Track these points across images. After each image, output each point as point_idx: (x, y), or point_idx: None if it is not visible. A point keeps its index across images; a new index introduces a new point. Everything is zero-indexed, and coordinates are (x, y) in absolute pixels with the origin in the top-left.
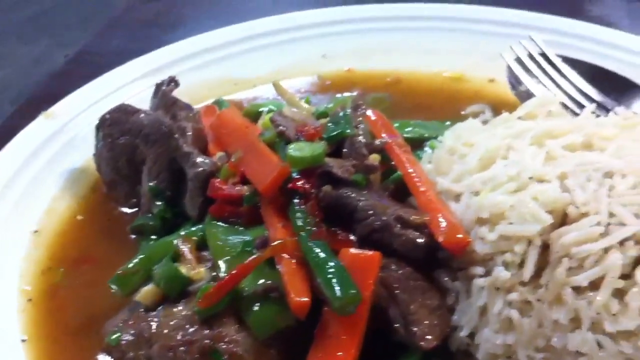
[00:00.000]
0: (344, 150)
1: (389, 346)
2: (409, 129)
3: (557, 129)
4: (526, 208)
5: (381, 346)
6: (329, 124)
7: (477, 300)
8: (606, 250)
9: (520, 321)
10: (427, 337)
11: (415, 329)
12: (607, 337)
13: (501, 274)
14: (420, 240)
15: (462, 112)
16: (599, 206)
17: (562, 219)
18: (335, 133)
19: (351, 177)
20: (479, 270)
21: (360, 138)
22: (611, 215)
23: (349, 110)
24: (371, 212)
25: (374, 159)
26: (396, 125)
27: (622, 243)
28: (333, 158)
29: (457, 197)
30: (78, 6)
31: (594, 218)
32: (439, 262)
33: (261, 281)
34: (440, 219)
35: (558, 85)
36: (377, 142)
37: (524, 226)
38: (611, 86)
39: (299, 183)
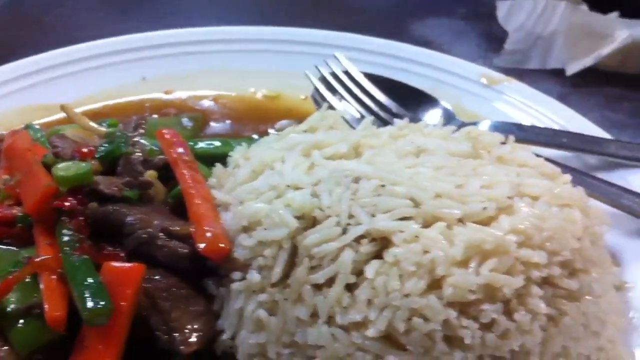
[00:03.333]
0: (118, 167)
1: (156, 355)
2: (212, 145)
3: (325, 140)
4: (277, 214)
5: (149, 355)
6: (103, 144)
7: (235, 303)
8: (342, 249)
9: (268, 320)
10: (188, 342)
11: (176, 334)
12: (339, 329)
13: (254, 277)
14: (183, 251)
15: (271, 129)
16: (341, 208)
17: (314, 223)
18: (106, 152)
19: (121, 194)
20: (237, 275)
21: (137, 156)
22: (351, 216)
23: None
24: (138, 225)
25: (150, 175)
26: (201, 144)
27: (358, 241)
28: (105, 176)
29: (228, 208)
30: None
31: (334, 219)
32: (209, 271)
33: (25, 298)
34: (206, 229)
35: (360, 101)
36: (157, 159)
37: (274, 231)
38: (410, 99)
39: (67, 202)
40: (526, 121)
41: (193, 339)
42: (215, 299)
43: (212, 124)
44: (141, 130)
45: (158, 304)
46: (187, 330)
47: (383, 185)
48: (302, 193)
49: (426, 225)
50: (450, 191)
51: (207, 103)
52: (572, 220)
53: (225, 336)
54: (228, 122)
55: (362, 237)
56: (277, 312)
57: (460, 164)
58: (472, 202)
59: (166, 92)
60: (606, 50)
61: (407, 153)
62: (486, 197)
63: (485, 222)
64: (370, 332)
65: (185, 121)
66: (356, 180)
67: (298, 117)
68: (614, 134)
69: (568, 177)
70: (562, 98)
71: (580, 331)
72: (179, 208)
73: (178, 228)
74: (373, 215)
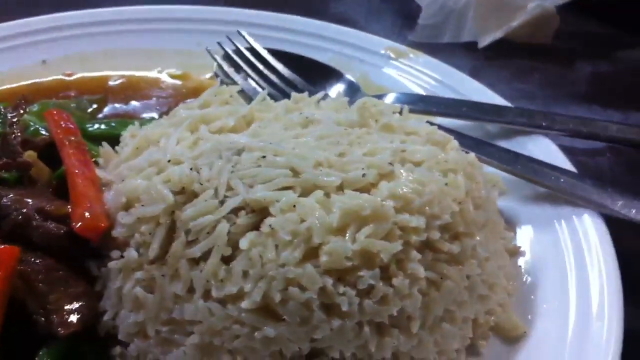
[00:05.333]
0: None
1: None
2: (108, 127)
3: (212, 114)
4: (155, 189)
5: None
6: None
7: (114, 283)
8: (218, 221)
9: (145, 298)
10: (67, 323)
11: (54, 317)
12: (216, 303)
13: (131, 254)
14: (59, 231)
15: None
16: (220, 180)
17: (195, 198)
18: None
19: None
20: (116, 254)
21: (16, 136)
22: (230, 188)
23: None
24: (12, 207)
25: (29, 156)
26: (98, 125)
27: (236, 213)
28: None
29: (111, 187)
30: None
31: (211, 192)
32: (92, 252)
33: None
34: (83, 208)
35: (264, 77)
36: (38, 139)
37: (152, 207)
38: (315, 74)
39: None
40: (430, 93)
41: (72, 320)
42: (98, 280)
43: (116, 105)
44: (21, 111)
45: (35, 287)
46: (65, 312)
47: (264, 157)
48: (181, 167)
49: (305, 194)
50: (331, 159)
51: (110, 84)
52: (454, 184)
53: (106, 317)
54: (132, 103)
55: (240, 208)
56: (155, 289)
57: (346, 133)
58: (353, 169)
59: (67, 75)
60: (516, 21)
61: (294, 124)
62: (367, 164)
63: (366, 189)
64: (246, 303)
65: (85, 103)
66: (239, 152)
67: None
68: (523, 104)
69: (455, 143)
70: (474, 71)
71: (464, 295)
72: (64, 189)
73: (54, 207)
74: (252, 187)
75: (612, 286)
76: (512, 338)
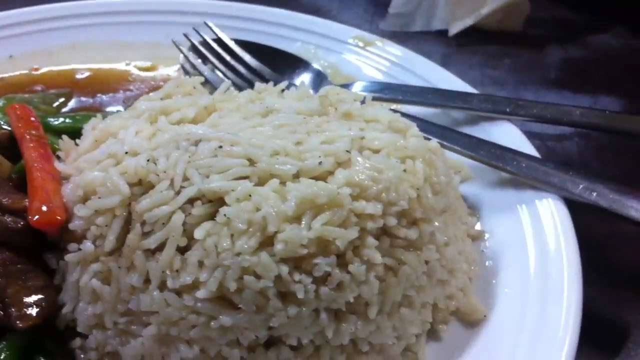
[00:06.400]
0: None
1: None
2: (72, 120)
3: (173, 105)
4: (111, 181)
5: None
6: None
7: (72, 276)
8: (174, 212)
9: (102, 290)
10: (25, 316)
11: (13, 310)
12: (171, 293)
13: (87, 247)
14: (16, 225)
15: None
16: (176, 171)
17: (151, 188)
18: None
19: None
20: (74, 246)
21: None
22: (186, 179)
23: None
24: None
25: None
26: (62, 119)
27: (192, 204)
28: None
29: (69, 179)
30: None
31: (166, 182)
32: (51, 246)
33: None
34: (40, 201)
35: (231, 68)
36: None
37: (108, 199)
38: (283, 64)
39: None
40: (398, 81)
41: (31, 313)
42: (56, 273)
43: (82, 98)
44: None
45: None
46: (24, 305)
47: (221, 147)
48: (137, 159)
49: (261, 183)
50: (288, 148)
51: (77, 77)
52: (412, 171)
53: (65, 310)
54: (99, 96)
55: (196, 199)
56: (111, 281)
57: (304, 121)
58: (310, 158)
59: (34, 70)
60: (486, 9)
61: (254, 114)
62: (324, 153)
63: (322, 177)
64: (201, 293)
65: (51, 97)
66: (196, 143)
67: None
68: (494, 90)
69: (416, 129)
70: (445, 58)
71: (423, 280)
72: (24, 183)
73: (11, 201)
74: (208, 177)
75: (572, 269)
76: (472, 322)
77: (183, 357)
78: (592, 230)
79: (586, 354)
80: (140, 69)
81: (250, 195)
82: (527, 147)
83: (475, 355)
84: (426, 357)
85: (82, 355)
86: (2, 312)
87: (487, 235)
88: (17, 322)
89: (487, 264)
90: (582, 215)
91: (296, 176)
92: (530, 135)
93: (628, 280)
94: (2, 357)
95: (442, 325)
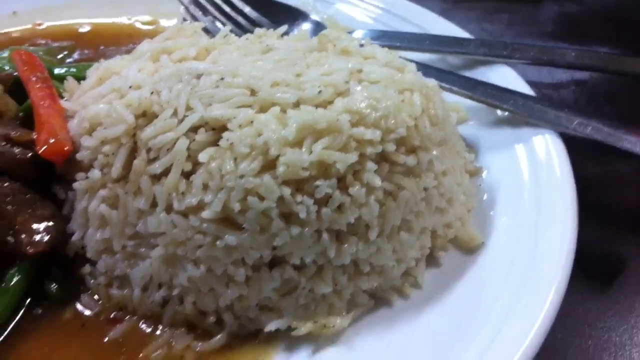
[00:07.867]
0: None
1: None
2: (74, 69)
3: (174, 46)
4: (115, 112)
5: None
6: None
7: (80, 203)
8: (178, 138)
9: (110, 214)
10: (35, 243)
11: (23, 236)
12: (178, 215)
13: (95, 174)
14: (25, 156)
15: None
16: (179, 101)
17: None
18: None
19: None
20: (81, 175)
21: None
22: (189, 108)
23: None
24: None
25: None
26: (65, 68)
27: (195, 131)
28: None
29: (75, 115)
30: None
31: (170, 111)
32: (58, 177)
33: None
34: (47, 133)
35: (231, 18)
36: (4, 73)
37: (113, 129)
38: (282, 15)
39: None
40: (395, 30)
41: (40, 240)
42: (65, 203)
43: (85, 51)
44: None
45: (2, 209)
46: (34, 232)
47: (222, 79)
48: (141, 91)
49: (262, 111)
50: (288, 79)
51: (79, 31)
52: (410, 102)
53: (75, 237)
54: (102, 48)
55: (199, 127)
56: (119, 206)
57: (303, 56)
58: (309, 88)
59: (37, 25)
60: None
61: (254, 52)
62: (323, 83)
63: (322, 105)
64: (206, 213)
65: (54, 49)
66: (198, 76)
67: None
68: None
69: (413, 66)
70: (443, 13)
71: (421, 206)
72: (31, 122)
73: (19, 134)
74: (210, 106)
75: (566, 197)
76: (470, 249)
77: (190, 277)
78: (587, 170)
79: (583, 287)
80: (142, 23)
81: (252, 122)
82: (523, 88)
83: (472, 280)
84: (425, 281)
85: (91, 281)
86: (12, 239)
87: (484, 172)
88: (27, 247)
89: (484, 197)
90: (577, 156)
91: (296, 105)
92: (527, 83)
93: (622, 217)
94: (13, 281)
95: (441, 252)
